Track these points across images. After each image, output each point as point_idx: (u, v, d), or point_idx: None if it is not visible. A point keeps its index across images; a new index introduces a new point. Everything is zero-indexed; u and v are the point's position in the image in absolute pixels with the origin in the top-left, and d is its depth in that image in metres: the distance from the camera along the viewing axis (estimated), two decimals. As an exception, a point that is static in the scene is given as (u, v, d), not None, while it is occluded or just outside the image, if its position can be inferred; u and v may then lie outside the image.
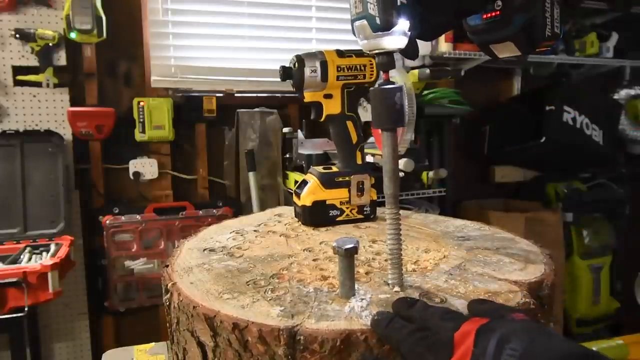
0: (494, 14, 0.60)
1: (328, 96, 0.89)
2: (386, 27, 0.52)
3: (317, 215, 0.88)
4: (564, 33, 2.44)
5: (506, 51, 0.63)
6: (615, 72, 2.69)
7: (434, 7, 0.56)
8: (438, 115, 2.09)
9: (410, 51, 0.56)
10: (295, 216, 0.95)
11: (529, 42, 0.61)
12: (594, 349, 0.38)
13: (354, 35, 0.56)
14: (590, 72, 2.65)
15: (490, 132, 2.46)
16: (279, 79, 0.89)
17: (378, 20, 0.52)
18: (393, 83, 0.56)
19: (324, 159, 1.81)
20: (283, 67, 0.88)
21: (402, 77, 1.24)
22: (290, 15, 2.24)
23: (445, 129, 2.16)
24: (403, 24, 0.53)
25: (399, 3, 0.52)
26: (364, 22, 0.53)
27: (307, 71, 0.85)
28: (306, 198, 0.88)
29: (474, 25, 0.63)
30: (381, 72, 0.58)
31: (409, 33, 0.54)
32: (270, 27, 2.20)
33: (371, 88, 0.57)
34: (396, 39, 0.53)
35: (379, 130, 0.57)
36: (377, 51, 0.56)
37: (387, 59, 0.56)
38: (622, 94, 2.62)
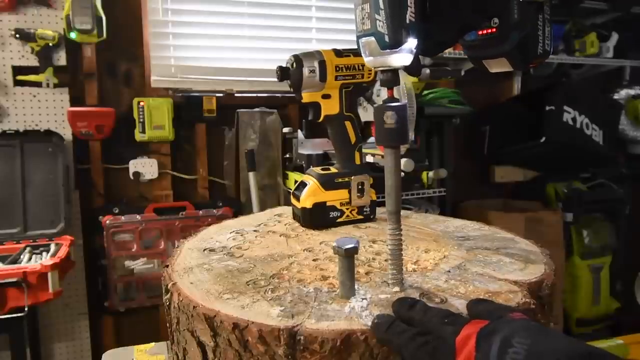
0: (490, 30, 0.60)
1: (326, 96, 0.88)
2: (395, 45, 0.52)
3: (318, 217, 0.87)
4: (564, 33, 2.45)
5: (499, 66, 0.64)
6: (615, 72, 2.69)
7: (439, 24, 0.57)
8: (438, 115, 2.09)
9: (414, 67, 0.56)
10: (294, 218, 0.93)
11: (522, 59, 0.61)
12: (594, 348, 0.38)
13: (359, 51, 0.56)
14: (590, 72, 2.65)
15: (490, 132, 2.46)
16: (278, 79, 0.88)
17: (387, 38, 0.52)
18: (397, 100, 0.56)
19: (324, 159, 1.81)
20: (280, 68, 0.86)
21: (402, 77, 1.23)
22: (290, 15, 2.24)
23: (445, 129, 2.16)
24: (411, 42, 0.53)
25: (407, 21, 0.52)
26: (372, 39, 0.53)
27: (306, 71, 0.84)
28: (306, 200, 0.86)
29: (470, 41, 0.63)
30: (386, 89, 0.57)
31: (415, 50, 0.54)
32: (270, 27, 2.20)
33: (375, 105, 0.57)
34: (403, 56, 0.53)
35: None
36: (382, 68, 0.56)
37: (391, 76, 0.56)
38: (622, 94, 2.63)
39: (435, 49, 0.62)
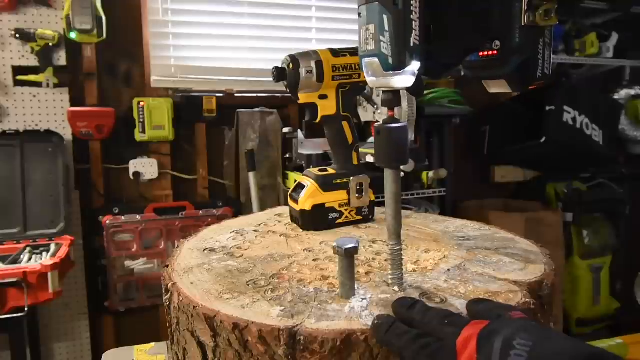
0: (491, 52, 0.61)
1: (323, 97, 0.86)
2: (399, 67, 0.52)
3: (317, 219, 0.85)
4: (564, 33, 2.45)
5: (498, 87, 0.65)
6: (615, 72, 2.69)
7: (443, 47, 0.57)
8: (438, 115, 2.09)
9: (416, 89, 0.56)
10: (292, 221, 0.92)
11: (521, 82, 0.63)
12: (594, 348, 0.38)
13: (362, 71, 0.56)
14: (590, 72, 2.65)
15: (490, 132, 2.46)
16: (278, 79, 0.87)
17: (390, 60, 0.52)
18: (398, 121, 0.56)
19: (324, 159, 1.81)
20: (277, 68, 0.84)
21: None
22: (290, 16, 2.24)
23: (445, 129, 2.16)
24: (414, 65, 0.53)
25: (412, 44, 0.52)
26: (375, 60, 0.53)
27: (303, 72, 0.82)
28: (305, 202, 0.85)
29: (470, 62, 0.64)
30: (387, 109, 0.57)
31: (418, 72, 0.54)
32: (270, 27, 2.20)
33: (376, 125, 0.57)
34: (405, 78, 0.53)
35: None
36: (384, 89, 0.56)
37: (393, 97, 0.56)
38: (622, 94, 2.63)
39: (438, 71, 0.63)
